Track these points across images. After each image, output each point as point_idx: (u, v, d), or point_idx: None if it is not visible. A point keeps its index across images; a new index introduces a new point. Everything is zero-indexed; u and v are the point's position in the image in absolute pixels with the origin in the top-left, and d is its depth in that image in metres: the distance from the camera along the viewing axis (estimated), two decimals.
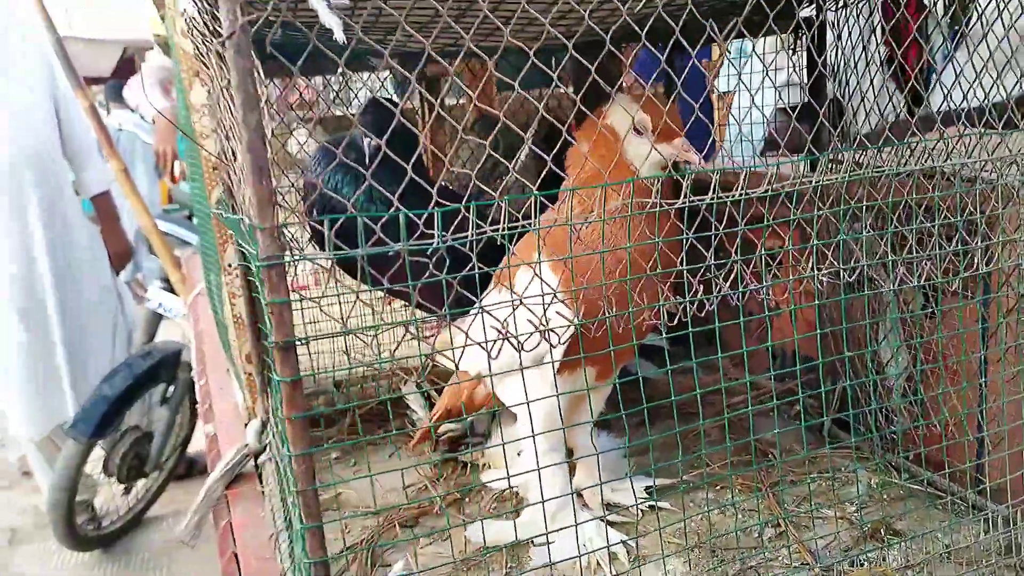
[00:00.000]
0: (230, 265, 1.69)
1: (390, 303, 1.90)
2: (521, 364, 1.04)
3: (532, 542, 1.31)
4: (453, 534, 1.34)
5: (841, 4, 1.45)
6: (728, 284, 1.07)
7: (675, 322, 1.10)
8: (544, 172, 1.04)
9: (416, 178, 0.91)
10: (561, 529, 1.15)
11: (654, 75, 1.25)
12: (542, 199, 1.02)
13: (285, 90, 1.88)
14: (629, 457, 1.55)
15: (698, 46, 1.10)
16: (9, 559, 3.65)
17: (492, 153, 0.98)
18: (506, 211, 0.96)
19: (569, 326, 1.12)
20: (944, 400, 1.32)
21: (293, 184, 1.76)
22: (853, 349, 1.43)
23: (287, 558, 1.32)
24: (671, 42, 1.04)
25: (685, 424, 1.25)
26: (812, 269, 1.12)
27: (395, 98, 2.17)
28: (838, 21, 1.47)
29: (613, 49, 0.99)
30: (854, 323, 1.44)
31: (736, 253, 1.06)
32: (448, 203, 0.93)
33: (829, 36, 1.51)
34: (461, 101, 2.45)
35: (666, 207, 1.11)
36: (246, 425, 1.76)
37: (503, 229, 0.96)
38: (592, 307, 1.17)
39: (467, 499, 1.53)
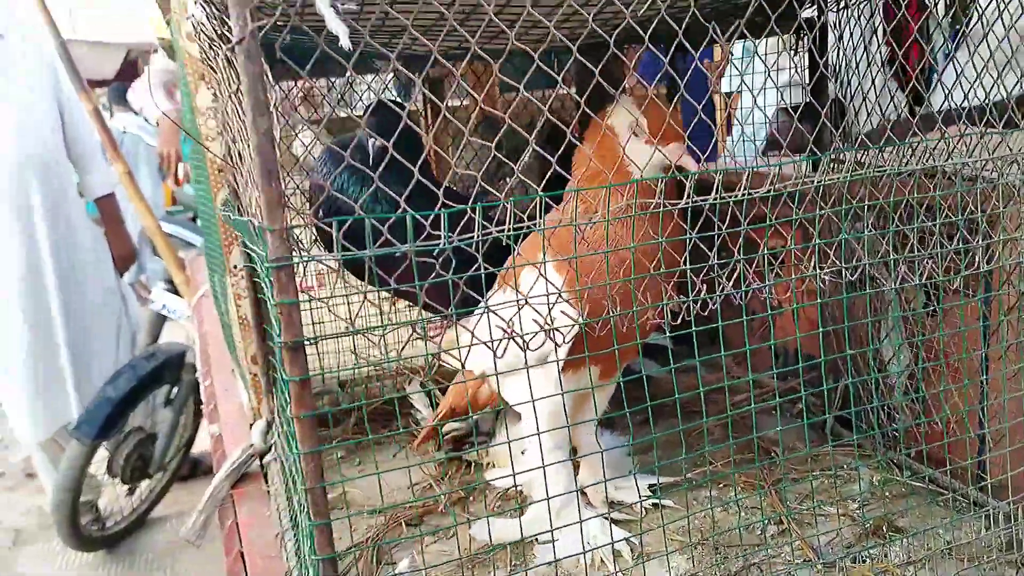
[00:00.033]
0: (235, 267, 1.70)
1: (394, 304, 1.91)
2: (527, 363, 1.05)
3: (536, 540, 1.32)
4: (458, 532, 1.36)
5: (842, 5, 1.46)
6: (731, 283, 1.08)
7: (679, 321, 1.11)
8: (547, 173, 1.05)
9: (423, 180, 0.92)
10: (565, 526, 1.16)
11: (657, 76, 1.25)
12: (547, 200, 1.02)
13: (290, 93, 1.89)
14: (633, 455, 1.56)
15: (701, 47, 1.11)
16: (13, 560, 3.66)
17: (497, 154, 0.99)
18: (511, 212, 0.97)
19: (574, 325, 1.13)
20: (946, 397, 1.33)
21: (298, 186, 1.77)
22: (855, 347, 1.44)
23: (293, 556, 1.33)
24: (674, 44, 1.05)
25: (688, 423, 1.25)
26: (814, 268, 1.13)
27: (399, 100, 2.18)
28: (839, 22, 1.48)
29: (617, 52, 1.00)
30: (856, 321, 1.45)
31: (739, 253, 1.07)
32: (453, 204, 0.94)
33: (831, 37, 1.51)
34: (464, 103, 2.46)
35: (669, 207, 1.12)
36: (251, 425, 1.77)
37: (508, 229, 0.97)
38: (596, 306, 1.18)
39: (471, 498, 1.54)
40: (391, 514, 1.45)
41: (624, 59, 1.12)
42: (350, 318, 0.94)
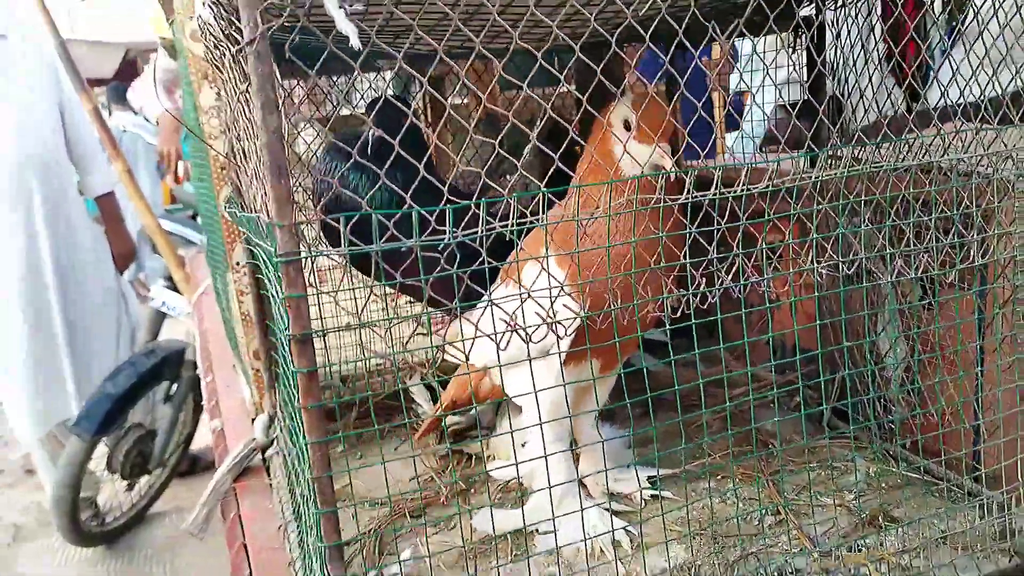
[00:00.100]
0: (238, 263, 1.71)
1: (395, 300, 1.92)
2: (529, 355, 1.06)
3: (537, 530, 1.33)
4: (460, 523, 1.38)
5: (840, 3, 1.47)
6: (730, 277, 1.10)
7: (678, 314, 1.13)
8: (548, 170, 1.07)
9: (428, 176, 0.94)
10: (566, 515, 1.18)
11: (658, 75, 1.27)
12: (549, 196, 1.04)
13: (292, 92, 1.90)
14: (632, 448, 1.58)
15: (700, 46, 1.13)
16: (13, 556, 3.68)
17: (500, 151, 1.01)
18: (515, 207, 0.99)
19: (575, 318, 1.15)
20: (941, 389, 1.35)
21: (300, 183, 1.79)
22: (852, 340, 1.46)
23: (296, 548, 1.35)
24: (674, 43, 1.06)
25: (686, 415, 1.27)
26: (812, 262, 1.14)
27: (402, 96, 2.20)
28: (837, 20, 1.49)
29: (618, 50, 1.02)
30: (853, 315, 1.47)
31: (738, 247, 1.09)
32: (457, 200, 0.96)
33: (828, 35, 1.53)
34: (465, 101, 2.48)
35: (669, 203, 1.14)
36: (253, 420, 1.79)
37: (512, 225, 0.99)
38: (598, 300, 1.20)
39: (472, 490, 1.56)
40: (394, 505, 1.47)
41: (624, 57, 1.14)
42: (356, 312, 0.96)
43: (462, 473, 1.61)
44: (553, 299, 1.07)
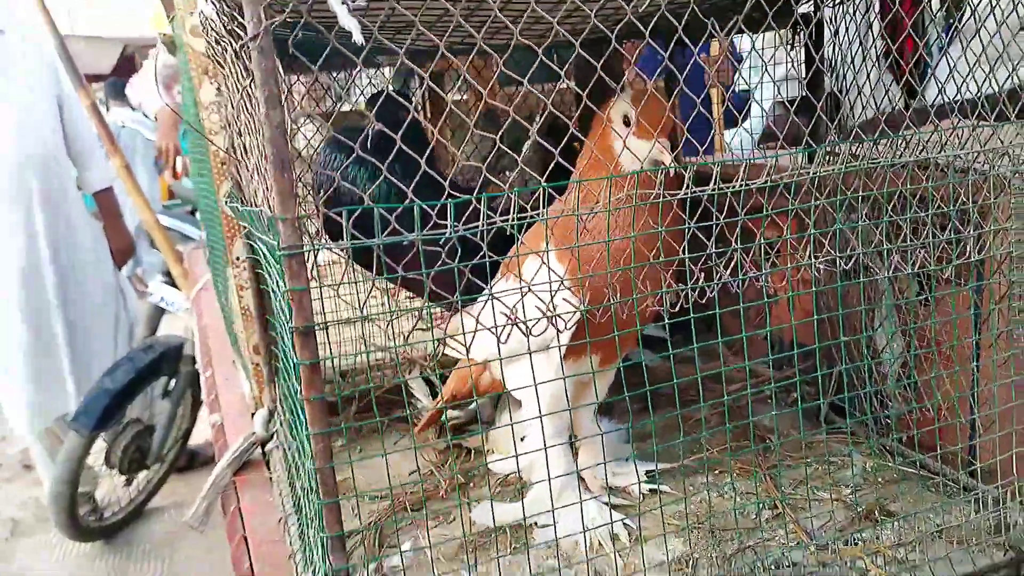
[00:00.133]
0: (238, 258, 1.72)
1: (395, 295, 1.93)
2: (529, 349, 1.07)
3: (536, 523, 1.34)
4: (459, 516, 1.39)
5: (838, 1, 1.48)
6: (728, 272, 1.11)
7: (677, 308, 1.14)
8: (549, 164, 1.07)
9: (428, 171, 0.94)
10: (564, 507, 1.19)
11: (657, 71, 1.28)
12: (550, 191, 1.05)
13: (292, 87, 1.91)
14: (632, 442, 1.59)
15: (700, 42, 1.14)
16: (11, 551, 3.68)
17: (501, 146, 1.02)
18: (515, 203, 1.00)
19: (575, 312, 1.16)
20: (937, 384, 1.36)
21: (299, 177, 1.79)
22: (849, 335, 1.47)
23: (296, 540, 1.36)
24: (674, 39, 1.07)
25: (684, 410, 1.28)
26: (809, 257, 1.15)
27: (403, 91, 2.20)
28: (835, 17, 1.50)
29: (617, 47, 1.02)
30: (850, 309, 1.48)
31: (736, 242, 1.10)
32: (458, 195, 0.96)
33: (826, 32, 1.54)
34: (464, 97, 2.49)
35: (668, 198, 1.15)
36: (253, 415, 1.80)
37: (512, 220, 1.00)
38: (597, 294, 1.21)
39: (472, 484, 1.56)
40: (394, 497, 1.47)
41: (624, 53, 1.15)
42: (358, 306, 0.97)
43: (461, 467, 1.62)
44: (553, 293, 1.07)
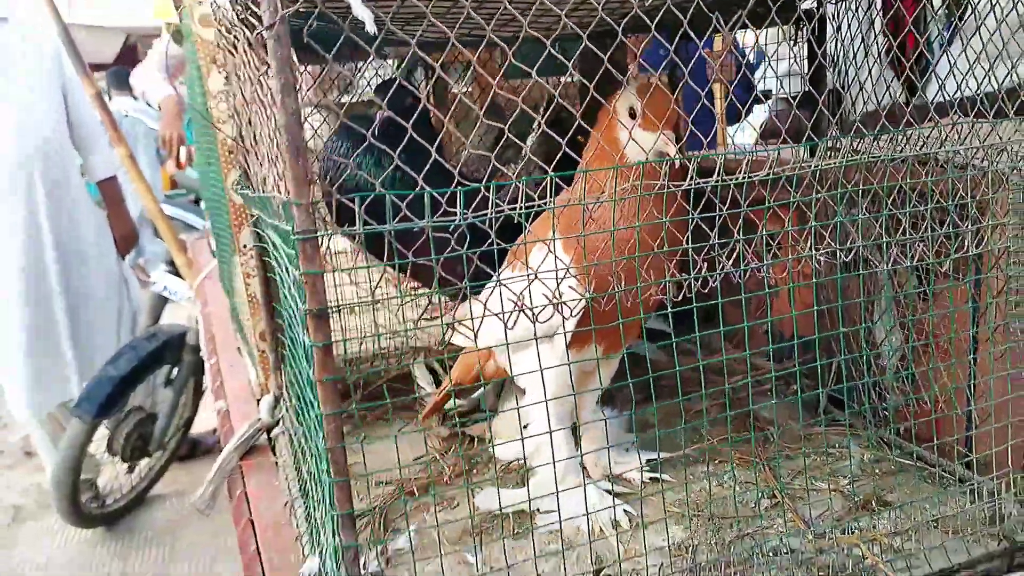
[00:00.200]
0: (245, 246, 1.74)
1: (402, 283, 1.95)
2: (536, 336, 1.09)
3: (538, 509, 1.36)
4: (463, 501, 1.41)
5: None
6: (731, 262, 1.13)
7: (680, 298, 1.16)
8: (552, 156, 1.09)
9: (439, 159, 0.96)
10: (567, 490, 1.21)
11: (663, 64, 1.30)
12: (557, 180, 1.07)
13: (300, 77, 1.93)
14: (635, 431, 1.61)
15: (704, 36, 1.15)
16: (12, 537, 3.71)
17: (509, 135, 1.04)
18: (523, 192, 1.02)
19: (580, 299, 1.18)
20: (934, 377, 1.38)
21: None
22: (848, 328, 1.49)
23: (303, 522, 1.38)
24: (679, 33, 1.09)
25: (685, 398, 1.30)
26: (810, 249, 1.17)
27: (412, 81, 2.23)
28: (837, 14, 1.52)
29: (624, 39, 1.04)
30: (850, 301, 1.50)
31: (738, 233, 1.12)
32: (467, 183, 0.98)
33: (829, 28, 1.56)
34: (468, 89, 2.50)
35: (673, 189, 1.17)
36: (258, 401, 1.82)
37: (520, 209, 1.02)
38: (602, 283, 1.23)
39: (475, 471, 1.58)
40: (397, 483, 1.50)
41: (630, 46, 1.16)
42: (368, 292, 0.99)
43: (465, 454, 1.64)
44: (559, 281, 1.09)
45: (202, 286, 3.17)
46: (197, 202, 4.56)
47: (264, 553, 1.38)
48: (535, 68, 0.98)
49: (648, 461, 1.48)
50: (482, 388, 1.76)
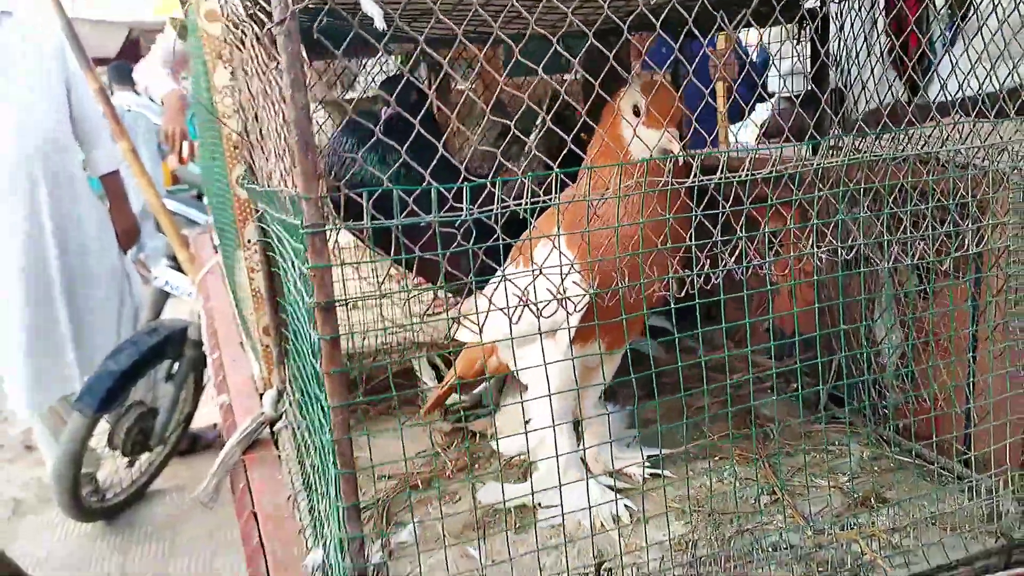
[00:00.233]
0: (249, 241, 1.75)
1: (406, 279, 1.96)
2: (540, 330, 1.10)
3: (540, 504, 1.37)
4: (465, 495, 1.41)
5: None
6: (733, 259, 1.14)
7: (683, 294, 1.16)
8: (555, 152, 1.10)
9: (446, 155, 0.97)
10: (569, 484, 1.22)
11: (667, 62, 1.31)
12: (562, 177, 1.08)
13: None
14: (637, 426, 1.62)
15: (709, 35, 1.16)
16: (13, 531, 3.71)
17: (512, 133, 1.05)
18: (528, 188, 1.03)
19: (584, 295, 1.19)
20: (934, 375, 1.39)
21: None
22: (849, 325, 1.50)
23: (306, 515, 1.39)
24: (683, 32, 1.10)
25: (686, 394, 1.31)
26: (812, 246, 1.18)
27: (418, 77, 2.23)
28: (840, 13, 1.53)
29: (629, 37, 1.05)
30: (851, 298, 1.51)
31: (741, 230, 1.13)
32: (472, 178, 0.99)
33: (832, 27, 1.57)
34: (473, 85, 2.51)
35: (676, 186, 1.18)
36: (261, 395, 1.82)
37: (526, 204, 1.03)
38: (606, 278, 1.24)
39: (477, 466, 1.59)
40: (400, 478, 1.50)
41: (635, 43, 1.17)
42: (377, 286, 1.00)
43: (467, 449, 1.65)
44: (563, 277, 1.10)
45: (205, 281, 3.17)
46: (199, 197, 4.56)
47: (267, 545, 1.39)
48: (540, 65, 0.99)
49: (649, 457, 1.49)
50: (484, 383, 1.77)
